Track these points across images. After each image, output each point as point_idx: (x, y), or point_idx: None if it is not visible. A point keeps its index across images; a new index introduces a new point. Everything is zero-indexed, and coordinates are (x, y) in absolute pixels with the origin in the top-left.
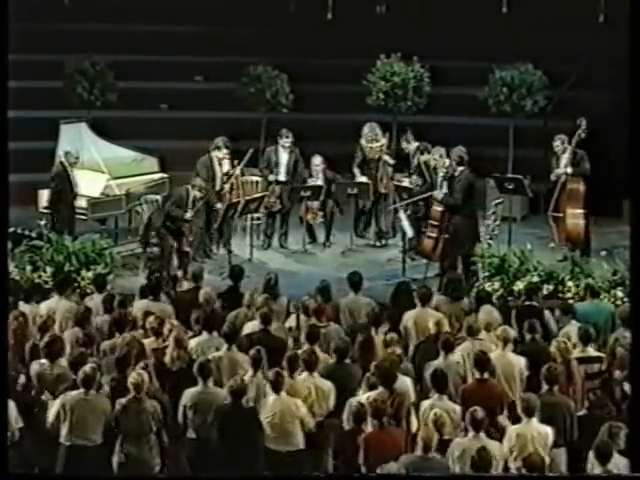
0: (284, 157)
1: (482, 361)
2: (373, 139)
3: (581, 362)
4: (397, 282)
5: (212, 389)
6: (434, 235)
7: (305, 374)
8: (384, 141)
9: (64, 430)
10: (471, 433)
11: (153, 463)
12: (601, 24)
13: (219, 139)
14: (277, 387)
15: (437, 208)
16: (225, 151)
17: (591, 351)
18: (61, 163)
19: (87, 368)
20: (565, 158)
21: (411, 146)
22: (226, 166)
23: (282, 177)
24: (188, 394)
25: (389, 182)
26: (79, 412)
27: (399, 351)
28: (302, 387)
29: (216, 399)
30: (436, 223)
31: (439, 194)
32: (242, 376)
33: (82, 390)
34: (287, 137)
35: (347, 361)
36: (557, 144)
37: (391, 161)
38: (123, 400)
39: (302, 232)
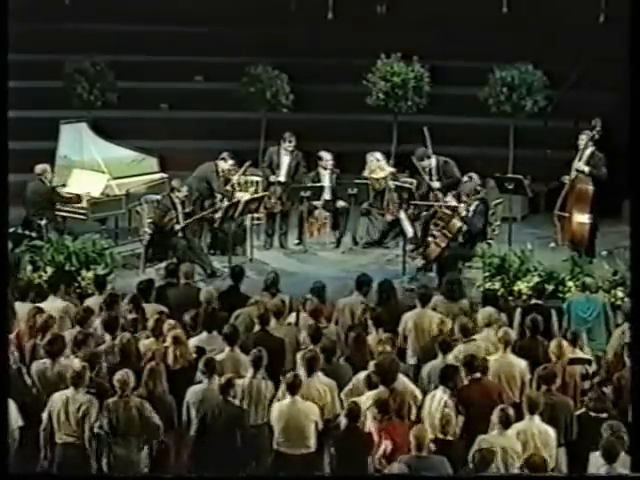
0: (285, 159)
1: (471, 363)
2: (378, 168)
3: (573, 362)
4: (378, 282)
5: (216, 387)
6: (443, 245)
7: (315, 375)
8: (389, 170)
9: (57, 429)
10: (497, 430)
11: (142, 464)
12: (601, 24)
13: (225, 153)
14: (293, 390)
15: (457, 223)
16: (231, 162)
17: (579, 353)
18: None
19: (76, 366)
20: (583, 155)
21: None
22: (232, 177)
23: (282, 178)
24: (192, 391)
25: (396, 208)
26: (69, 410)
27: (389, 349)
28: (314, 388)
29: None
30: (450, 235)
31: (463, 210)
32: (235, 375)
33: (71, 389)
34: (290, 141)
35: (335, 360)
36: (583, 137)
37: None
38: (109, 400)
39: (303, 231)
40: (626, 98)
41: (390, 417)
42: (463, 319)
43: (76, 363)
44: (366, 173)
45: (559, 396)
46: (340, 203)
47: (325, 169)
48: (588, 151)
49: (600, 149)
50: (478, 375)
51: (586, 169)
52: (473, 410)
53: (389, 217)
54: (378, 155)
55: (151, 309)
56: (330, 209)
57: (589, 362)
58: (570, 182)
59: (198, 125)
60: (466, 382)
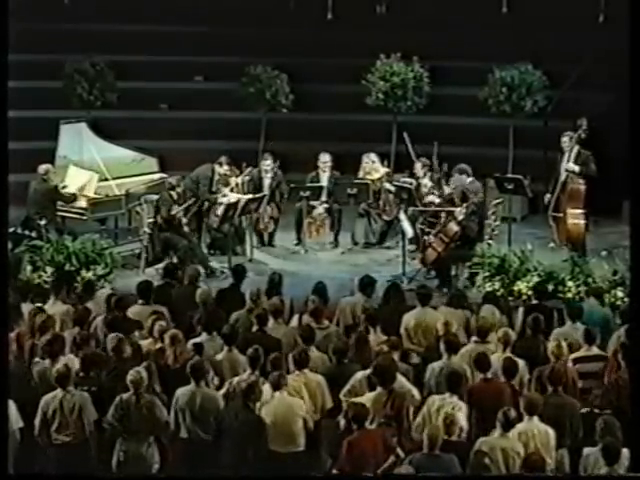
0: (267, 181)
1: (483, 362)
2: (373, 169)
3: (583, 361)
4: (387, 285)
5: (205, 389)
6: (439, 249)
7: (296, 373)
8: (384, 171)
9: (52, 430)
10: (498, 431)
11: (152, 462)
12: (601, 24)
13: (222, 157)
14: (277, 387)
15: (454, 227)
16: (226, 167)
17: (595, 350)
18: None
19: (59, 366)
20: (571, 155)
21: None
22: (230, 180)
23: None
24: (180, 393)
25: (393, 209)
26: (61, 411)
27: (385, 348)
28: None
29: (210, 399)
30: (446, 240)
31: (460, 214)
32: (250, 377)
33: (59, 390)
34: (266, 159)
35: (346, 361)
36: (565, 140)
37: (392, 188)
38: (123, 397)
39: (301, 231)
40: (626, 98)
41: (362, 427)
42: (481, 320)
43: (58, 364)
44: (361, 174)
45: (565, 397)
46: (335, 205)
47: (324, 171)
48: (574, 151)
49: (599, 149)
50: (489, 375)
51: (577, 169)
52: (483, 410)
53: (386, 217)
54: (373, 156)
55: (150, 309)
56: (326, 210)
57: (605, 358)
58: (562, 183)
59: (198, 125)
60: (477, 381)
